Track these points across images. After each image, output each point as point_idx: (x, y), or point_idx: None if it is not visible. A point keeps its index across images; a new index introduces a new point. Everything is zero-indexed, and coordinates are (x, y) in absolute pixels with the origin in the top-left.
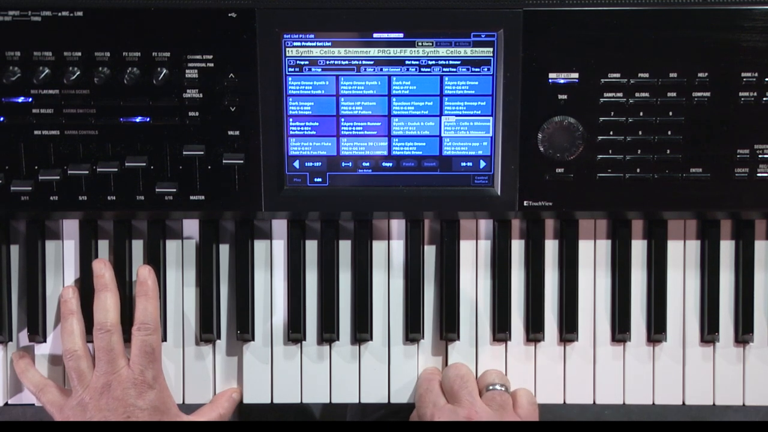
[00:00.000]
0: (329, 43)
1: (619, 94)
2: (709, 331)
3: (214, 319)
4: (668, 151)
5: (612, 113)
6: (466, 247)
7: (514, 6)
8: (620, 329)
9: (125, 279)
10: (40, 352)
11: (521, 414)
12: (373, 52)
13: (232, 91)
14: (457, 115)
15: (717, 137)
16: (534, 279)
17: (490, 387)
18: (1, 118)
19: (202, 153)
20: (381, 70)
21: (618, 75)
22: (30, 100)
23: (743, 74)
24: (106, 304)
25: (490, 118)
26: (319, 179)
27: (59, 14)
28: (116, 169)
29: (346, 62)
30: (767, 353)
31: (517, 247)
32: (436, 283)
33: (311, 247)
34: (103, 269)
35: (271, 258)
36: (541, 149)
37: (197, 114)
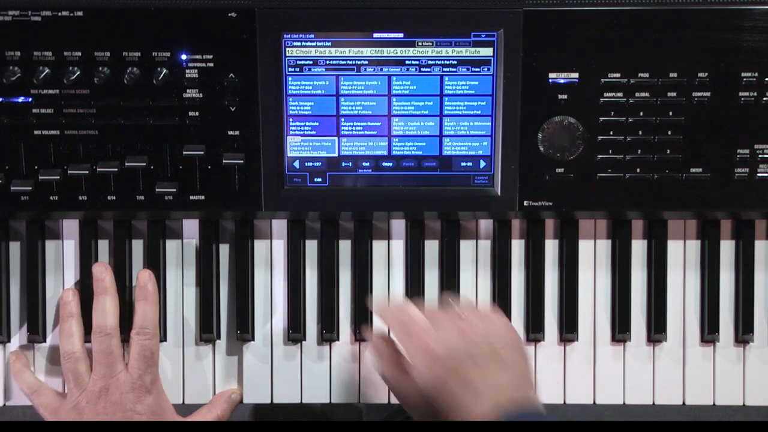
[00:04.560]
0: (329, 43)
1: (619, 94)
2: (709, 331)
3: (214, 319)
4: (668, 151)
5: (612, 113)
6: (466, 247)
7: (514, 6)
8: (620, 329)
9: (125, 279)
10: (39, 353)
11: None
12: (373, 52)
13: (232, 91)
14: (457, 115)
15: (717, 137)
16: (534, 279)
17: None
18: (2, 118)
19: (202, 153)
20: (381, 70)
21: (618, 75)
22: (30, 100)
23: (743, 74)
24: (106, 308)
25: (490, 118)
26: (319, 179)
27: (59, 14)
28: (116, 169)
29: (346, 62)
30: (767, 353)
31: (517, 247)
32: (436, 283)
33: (311, 247)
34: (103, 273)
35: (271, 258)
36: (541, 149)
37: (197, 114)
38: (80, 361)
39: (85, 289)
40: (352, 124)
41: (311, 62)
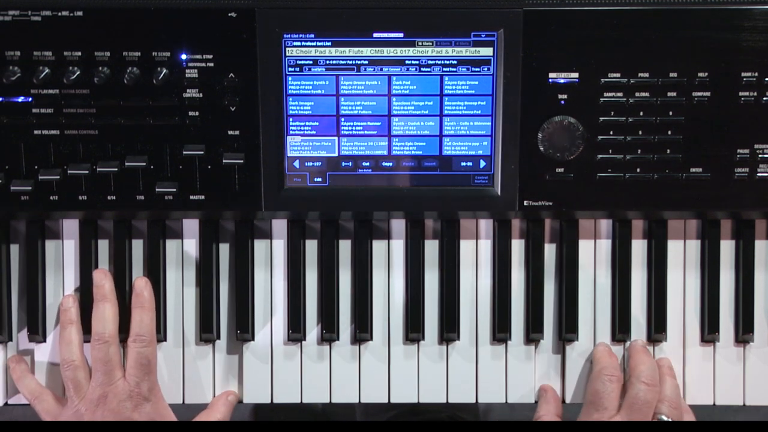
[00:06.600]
0: (329, 43)
1: (619, 94)
2: (709, 331)
3: (214, 319)
4: (668, 151)
5: (612, 113)
6: (466, 247)
7: (514, 6)
8: (620, 329)
9: (125, 279)
10: (39, 355)
11: None
12: (373, 52)
13: (232, 91)
14: (457, 115)
15: (717, 137)
16: (534, 279)
17: (659, 416)
18: (2, 118)
19: (202, 153)
20: (381, 69)
21: (618, 75)
22: (30, 100)
23: (743, 74)
24: (105, 315)
25: (490, 118)
26: (319, 179)
27: (59, 14)
28: (116, 169)
29: (346, 62)
30: (767, 353)
31: (517, 247)
32: (437, 283)
33: (311, 247)
34: (103, 279)
35: (271, 258)
36: (541, 149)
37: (197, 114)
38: (79, 369)
39: (85, 292)
40: (352, 123)
41: (311, 62)
